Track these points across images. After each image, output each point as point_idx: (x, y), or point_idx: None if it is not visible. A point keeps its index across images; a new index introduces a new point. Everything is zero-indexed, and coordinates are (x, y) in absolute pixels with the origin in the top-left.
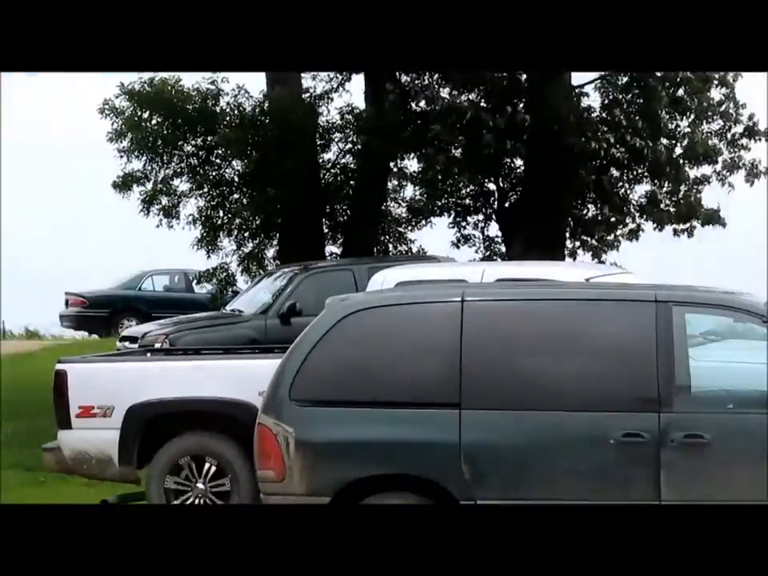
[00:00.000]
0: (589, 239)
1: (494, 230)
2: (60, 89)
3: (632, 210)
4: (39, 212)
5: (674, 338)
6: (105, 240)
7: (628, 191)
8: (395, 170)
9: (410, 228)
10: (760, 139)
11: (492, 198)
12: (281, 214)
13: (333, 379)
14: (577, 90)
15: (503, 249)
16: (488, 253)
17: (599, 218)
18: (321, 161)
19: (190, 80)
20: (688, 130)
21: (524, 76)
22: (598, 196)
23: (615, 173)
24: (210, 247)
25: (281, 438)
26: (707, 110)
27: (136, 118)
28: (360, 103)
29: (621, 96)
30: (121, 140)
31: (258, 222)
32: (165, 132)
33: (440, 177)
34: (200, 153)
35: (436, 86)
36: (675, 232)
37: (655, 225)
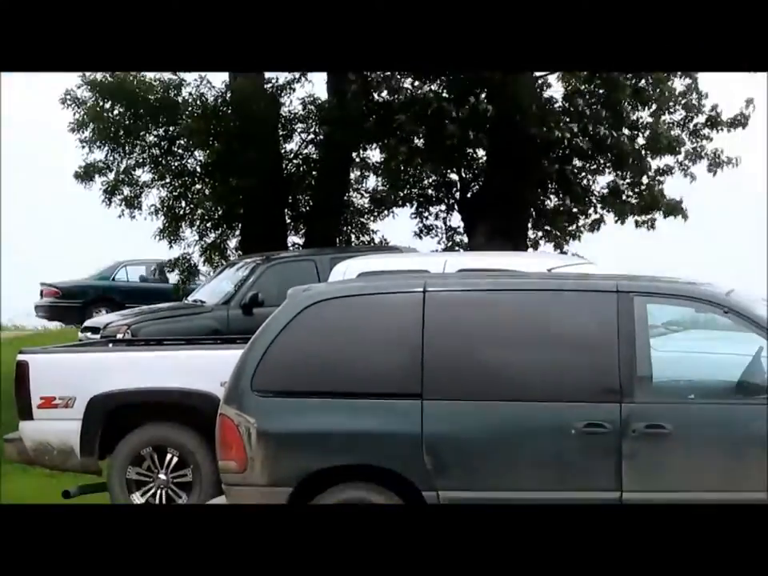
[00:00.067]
0: (551, 229)
1: (456, 220)
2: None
3: (594, 200)
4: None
5: (635, 329)
6: (76, 230)
7: (590, 182)
8: (358, 160)
9: (372, 218)
10: (722, 129)
11: (454, 189)
12: (243, 205)
13: (294, 370)
14: (539, 81)
15: (465, 239)
16: (450, 243)
17: (561, 208)
18: (283, 151)
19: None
20: (650, 120)
21: None
22: (560, 186)
23: (578, 163)
24: (172, 237)
25: (242, 429)
26: (670, 100)
27: (98, 108)
28: (322, 94)
29: (583, 86)
30: (83, 130)
31: (220, 213)
32: (127, 122)
33: (402, 167)
34: (162, 143)
35: (399, 76)
36: (637, 224)
37: (617, 217)
